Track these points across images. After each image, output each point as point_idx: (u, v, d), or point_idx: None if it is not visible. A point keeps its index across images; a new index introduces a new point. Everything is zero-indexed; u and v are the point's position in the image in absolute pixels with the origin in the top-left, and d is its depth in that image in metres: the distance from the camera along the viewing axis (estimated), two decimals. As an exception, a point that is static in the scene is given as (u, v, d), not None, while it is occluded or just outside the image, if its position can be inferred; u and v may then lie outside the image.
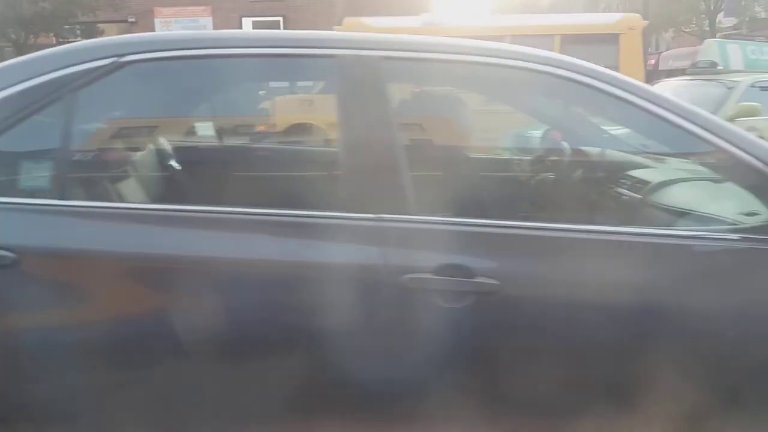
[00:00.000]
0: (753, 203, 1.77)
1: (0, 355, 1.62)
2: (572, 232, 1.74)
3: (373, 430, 1.71)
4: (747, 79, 7.07)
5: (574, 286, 1.66)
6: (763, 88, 7.03)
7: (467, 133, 3.75)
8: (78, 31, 16.77)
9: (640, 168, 2.41)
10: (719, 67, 7.53)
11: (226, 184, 2.30)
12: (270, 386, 1.66)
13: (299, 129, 4.78)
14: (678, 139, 1.86)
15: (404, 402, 1.68)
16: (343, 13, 13.97)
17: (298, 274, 1.66)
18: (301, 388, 1.65)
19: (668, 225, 1.98)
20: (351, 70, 1.77)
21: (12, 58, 1.94)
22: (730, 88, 6.89)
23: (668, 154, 2.34)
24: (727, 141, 1.74)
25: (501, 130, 3.75)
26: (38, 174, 1.75)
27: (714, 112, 6.75)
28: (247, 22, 18.95)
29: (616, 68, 8.70)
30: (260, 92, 3.79)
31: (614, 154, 2.60)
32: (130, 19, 18.71)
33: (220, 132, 3.18)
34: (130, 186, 2.14)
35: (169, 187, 2.51)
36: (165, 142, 2.68)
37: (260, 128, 3.62)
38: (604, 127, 2.57)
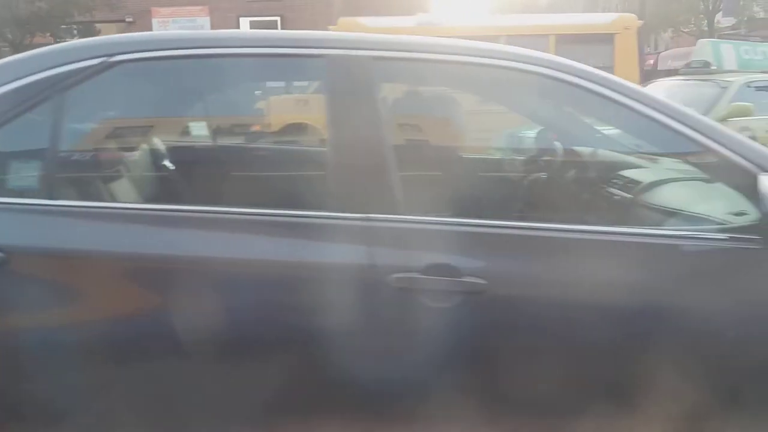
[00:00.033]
0: (741, 203, 1.77)
1: None
2: (561, 231, 1.74)
3: (361, 429, 1.71)
4: (740, 79, 7.07)
5: (562, 285, 1.67)
6: (757, 88, 7.04)
7: (459, 132, 3.76)
8: (75, 31, 16.74)
9: (631, 168, 2.42)
10: (712, 67, 7.54)
11: (216, 183, 2.30)
12: (257, 385, 1.66)
13: (293, 129, 4.77)
14: (666, 139, 1.86)
15: (391, 401, 1.69)
16: (341, 13, 13.96)
17: (287, 273, 1.66)
18: (290, 386, 1.66)
19: (659, 225, 1.98)
20: (341, 70, 1.78)
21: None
22: (723, 88, 6.90)
23: (659, 154, 2.34)
24: (715, 141, 1.75)
25: (494, 131, 3.76)
26: (27, 174, 1.75)
27: (707, 112, 6.80)
28: (244, 22, 18.95)
29: (611, 68, 8.74)
30: (256, 92, 3.79)
31: (605, 154, 2.61)
32: (127, 19, 18.70)
33: (210, 132, 3.17)
34: (119, 186, 2.14)
35: (160, 187, 2.51)
36: (155, 142, 2.68)
37: (250, 128, 3.62)
38: (597, 128, 2.57)
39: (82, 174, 1.97)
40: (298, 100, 6.16)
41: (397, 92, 3.49)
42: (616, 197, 2.33)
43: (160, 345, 1.64)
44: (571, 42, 8.64)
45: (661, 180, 2.21)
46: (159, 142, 2.70)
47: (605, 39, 8.67)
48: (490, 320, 1.65)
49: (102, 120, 2.27)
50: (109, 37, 1.98)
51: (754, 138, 7.02)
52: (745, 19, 22.41)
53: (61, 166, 1.81)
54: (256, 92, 3.79)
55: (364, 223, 1.67)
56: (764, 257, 1.67)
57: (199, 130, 3.12)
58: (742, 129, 6.53)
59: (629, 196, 2.25)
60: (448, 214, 1.77)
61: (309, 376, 1.66)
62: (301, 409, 1.69)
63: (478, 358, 1.68)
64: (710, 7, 22.56)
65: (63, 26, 16.16)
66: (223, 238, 1.68)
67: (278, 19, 19.00)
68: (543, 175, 2.75)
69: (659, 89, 7.69)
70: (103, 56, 1.76)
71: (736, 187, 1.78)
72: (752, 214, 1.72)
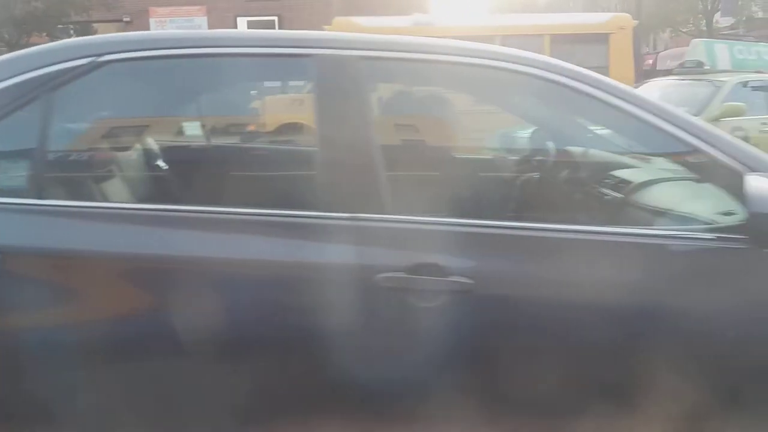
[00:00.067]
0: (730, 203, 1.77)
1: None
2: (550, 231, 1.74)
3: (349, 428, 1.71)
4: (733, 78, 7.08)
5: (550, 285, 1.67)
6: (750, 88, 7.05)
7: (449, 132, 3.76)
8: (72, 31, 16.73)
9: (622, 168, 2.41)
10: (706, 67, 7.54)
11: (206, 183, 2.31)
12: (244, 384, 1.66)
13: (286, 129, 4.77)
14: (655, 139, 1.86)
15: (379, 400, 1.69)
16: (339, 12, 13.94)
17: (274, 273, 1.66)
18: (277, 385, 1.67)
19: (649, 224, 1.98)
20: (329, 70, 1.78)
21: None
22: (717, 88, 6.92)
23: (649, 154, 2.33)
24: (702, 141, 1.75)
25: (486, 131, 3.76)
26: (15, 173, 1.76)
27: (700, 112, 6.80)
28: (242, 22, 18.94)
29: (606, 68, 8.74)
30: (252, 92, 3.79)
31: (597, 154, 2.60)
32: (125, 19, 18.69)
33: (200, 132, 3.17)
34: (109, 186, 2.14)
35: (150, 187, 2.52)
36: (145, 142, 2.68)
37: (240, 128, 3.62)
38: (588, 127, 2.58)
39: (72, 174, 1.98)
40: (293, 99, 6.15)
41: (387, 92, 3.50)
42: (607, 197, 2.33)
43: (153, 345, 1.64)
44: (566, 42, 8.64)
45: (652, 180, 2.21)
46: (149, 142, 2.70)
47: (600, 39, 8.67)
48: (477, 320, 1.65)
49: (91, 120, 2.26)
50: (98, 36, 1.99)
51: (746, 138, 7.04)
52: (744, 18, 22.44)
53: (49, 165, 1.81)
54: (251, 92, 3.79)
55: (352, 223, 1.67)
56: (750, 257, 1.67)
57: (189, 129, 3.12)
58: (735, 129, 6.55)
59: (620, 196, 2.25)
60: (437, 214, 1.77)
61: (296, 375, 1.66)
62: (288, 408, 1.70)
63: (465, 357, 1.67)
64: (709, 7, 22.58)
65: (60, 26, 16.15)
66: (212, 238, 1.68)
67: (276, 18, 18.99)
68: (533, 175, 2.74)
69: (653, 89, 7.70)
70: (92, 56, 1.77)
71: (724, 187, 1.79)
72: (740, 214, 1.71)
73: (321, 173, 1.74)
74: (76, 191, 1.91)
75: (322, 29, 6.33)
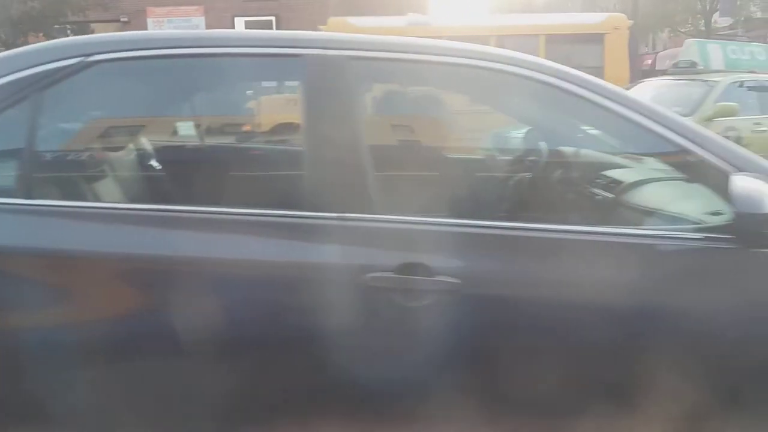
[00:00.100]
0: (718, 203, 1.77)
1: None
2: (536, 231, 1.74)
3: (336, 427, 1.71)
4: (726, 79, 7.09)
5: (537, 285, 1.68)
6: (743, 88, 7.06)
7: (438, 132, 3.76)
8: (69, 32, 16.74)
9: (613, 168, 2.42)
10: (699, 67, 7.55)
11: (194, 183, 2.31)
12: (231, 383, 1.66)
13: (277, 129, 4.76)
14: (643, 139, 1.87)
15: (364, 399, 1.69)
16: (336, 12, 13.96)
17: (262, 273, 1.67)
18: (263, 385, 1.68)
19: (638, 224, 1.99)
20: (319, 70, 1.78)
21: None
22: (710, 88, 6.92)
23: (640, 154, 2.33)
24: (690, 141, 1.76)
25: (477, 131, 3.75)
26: (4, 173, 1.77)
27: (693, 112, 6.79)
28: (239, 22, 18.94)
29: (601, 68, 8.75)
30: (247, 92, 3.79)
31: (587, 154, 2.61)
32: (122, 19, 18.71)
33: (189, 132, 3.18)
34: (99, 185, 2.14)
35: (140, 186, 2.51)
36: (134, 142, 2.68)
37: (228, 128, 3.62)
38: (579, 127, 2.57)
39: (61, 174, 1.98)
40: (287, 100, 6.14)
41: (378, 91, 3.49)
42: (598, 197, 2.34)
43: (142, 346, 1.65)
44: (561, 42, 8.66)
45: (642, 180, 2.22)
46: (139, 142, 2.70)
47: (595, 39, 8.70)
48: (464, 320, 1.65)
49: (81, 120, 2.27)
50: (87, 36, 1.99)
51: (739, 138, 7.02)
52: (742, 19, 22.41)
53: (38, 165, 1.81)
54: (247, 92, 3.79)
55: (340, 223, 1.67)
56: (737, 256, 1.69)
57: (179, 129, 3.12)
58: (728, 129, 6.54)
59: (611, 196, 2.25)
60: (425, 214, 1.77)
61: (284, 374, 1.67)
62: (275, 406, 1.70)
63: (452, 357, 1.67)
64: (707, 7, 22.57)
65: (56, 26, 16.16)
66: (201, 238, 1.68)
67: (273, 18, 19.00)
68: (524, 175, 2.74)
69: (647, 89, 7.69)
70: (81, 56, 1.77)
71: (712, 187, 1.80)
72: (728, 214, 1.72)
73: (310, 173, 1.74)
74: (65, 191, 1.91)
75: (318, 29, 6.33)
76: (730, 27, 21.18)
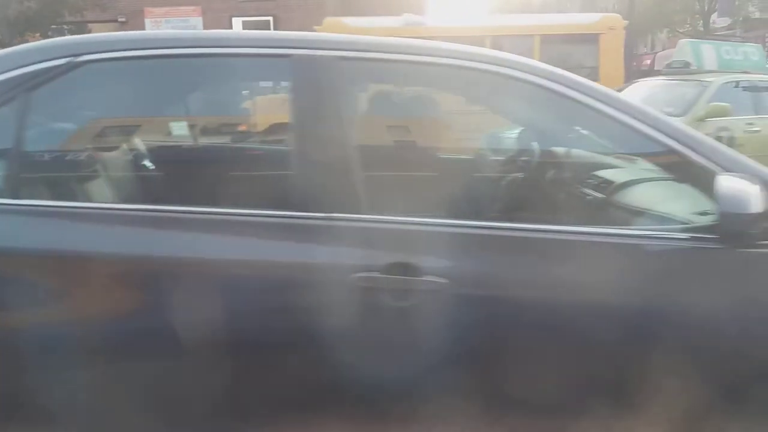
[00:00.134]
0: (707, 203, 1.78)
1: None
2: (523, 231, 1.75)
3: (322, 427, 1.71)
4: (719, 79, 7.09)
5: (524, 285, 1.68)
6: (736, 89, 7.06)
7: (428, 132, 3.76)
8: (66, 32, 16.73)
9: (605, 168, 2.42)
10: (692, 67, 7.55)
11: (181, 183, 2.31)
12: (216, 384, 1.67)
13: (266, 129, 4.75)
14: (630, 140, 1.88)
15: (349, 400, 1.69)
16: (333, 12, 13.97)
17: (249, 273, 1.68)
18: (249, 385, 1.68)
19: (628, 224, 2.00)
20: (306, 70, 1.79)
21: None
22: (704, 88, 6.92)
23: (629, 155, 2.33)
24: (678, 141, 1.77)
25: (468, 131, 3.76)
26: None
27: (686, 112, 6.78)
28: (237, 22, 18.96)
29: (596, 68, 8.74)
30: (243, 92, 3.80)
31: (578, 154, 2.61)
32: (120, 19, 18.71)
33: (176, 132, 3.18)
34: (87, 186, 2.14)
35: (128, 186, 2.52)
36: (122, 142, 2.69)
37: (217, 128, 3.62)
38: (569, 128, 2.57)
39: (49, 174, 1.98)
40: (276, 100, 6.12)
41: (368, 92, 3.50)
42: (589, 197, 2.34)
43: (129, 347, 1.65)
44: (556, 42, 8.65)
45: (633, 180, 2.22)
46: (127, 142, 2.70)
47: (590, 39, 8.69)
48: (451, 319, 1.66)
49: (69, 120, 2.27)
50: (76, 37, 1.99)
51: (732, 138, 7.00)
52: (741, 19, 22.40)
53: (26, 165, 1.81)
54: (243, 92, 3.80)
55: (327, 223, 1.68)
56: (722, 256, 1.69)
57: (167, 130, 3.12)
58: (721, 129, 6.54)
59: (602, 196, 2.26)
60: (412, 214, 1.77)
61: (268, 375, 1.67)
62: (259, 406, 1.70)
63: (438, 357, 1.67)
64: (706, 8, 22.58)
65: (54, 26, 16.16)
66: (187, 238, 1.69)
67: (271, 19, 19.01)
68: (515, 175, 2.75)
69: (641, 89, 7.69)
70: (69, 56, 1.78)
71: (700, 187, 1.80)
72: (715, 214, 1.72)
73: (298, 173, 1.75)
74: (52, 191, 1.91)
75: (313, 30, 6.32)
76: (729, 27, 21.17)
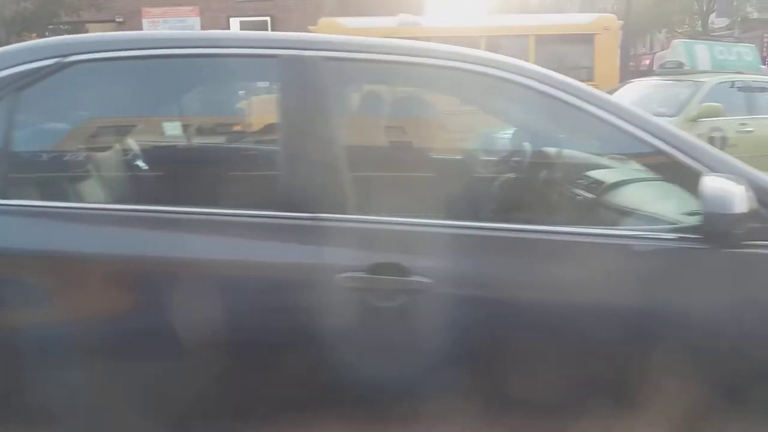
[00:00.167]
0: (694, 203, 1.77)
1: None
2: (510, 231, 1.75)
3: (305, 428, 1.72)
4: (712, 79, 7.09)
5: (510, 285, 1.68)
6: (729, 89, 7.06)
7: (418, 133, 3.76)
8: (63, 32, 16.71)
9: (595, 168, 2.42)
10: (686, 67, 7.56)
11: (168, 184, 2.31)
12: (201, 385, 1.67)
13: (254, 130, 4.76)
14: (618, 141, 1.88)
15: (335, 400, 1.69)
16: (331, 13, 13.98)
17: (234, 273, 1.68)
18: (235, 387, 1.68)
19: (616, 225, 2.00)
20: (293, 70, 1.79)
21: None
22: (698, 88, 6.93)
23: (617, 155, 2.32)
24: (665, 142, 1.77)
25: (457, 132, 3.76)
26: None
27: (679, 112, 6.77)
28: (234, 22, 18.97)
29: (591, 68, 8.75)
30: (240, 92, 3.80)
31: (569, 155, 2.60)
32: (117, 19, 18.71)
33: (165, 132, 3.18)
34: (76, 186, 2.14)
35: (117, 187, 2.52)
36: (110, 142, 2.69)
37: (205, 128, 3.62)
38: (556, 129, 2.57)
39: (37, 174, 1.98)
40: (261, 101, 6.13)
41: (358, 92, 3.50)
42: (579, 198, 2.34)
43: (122, 348, 1.65)
44: (551, 42, 8.65)
45: (624, 180, 2.22)
46: (116, 142, 2.70)
47: (585, 39, 8.70)
48: (436, 319, 1.66)
49: (58, 120, 2.26)
50: (64, 37, 1.98)
51: (725, 138, 6.99)
52: (739, 19, 22.41)
53: (14, 166, 1.81)
54: (239, 92, 3.80)
55: (313, 223, 1.68)
56: (706, 257, 1.69)
57: (156, 130, 3.13)
58: (714, 129, 6.55)
59: (592, 196, 2.26)
60: (398, 214, 1.77)
61: (254, 375, 1.67)
62: (246, 406, 1.70)
63: (424, 357, 1.68)
64: (704, 8, 22.61)
65: (50, 27, 16.14)
66: (173, 238, 1.69)
67: (268, 19, 19.01)
68: (506, 176, 2.75)
69: (634, 89, 7.70)
70: (58, 57, 1.78)
71: (688, 188, 1.80)
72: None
73: (284, 173, 1.74)
74: (41, 191, 1.91)
75: (308, 30, 6.33)
76: (727, 27, 21.19)
